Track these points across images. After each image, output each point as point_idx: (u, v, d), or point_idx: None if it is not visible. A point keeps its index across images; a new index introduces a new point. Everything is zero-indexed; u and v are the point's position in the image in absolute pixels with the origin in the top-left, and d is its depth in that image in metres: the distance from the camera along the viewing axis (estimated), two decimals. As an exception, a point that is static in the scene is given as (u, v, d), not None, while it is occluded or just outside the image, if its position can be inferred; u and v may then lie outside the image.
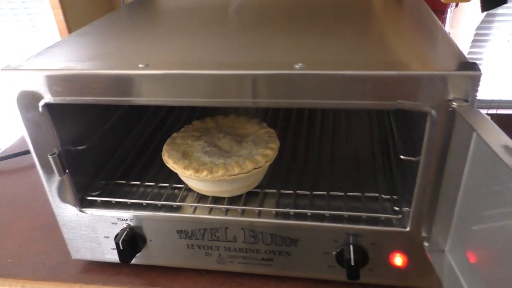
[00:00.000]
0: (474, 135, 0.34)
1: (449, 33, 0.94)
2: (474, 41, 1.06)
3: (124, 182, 0.55)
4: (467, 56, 1.24)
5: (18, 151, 0.83)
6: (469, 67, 0.35)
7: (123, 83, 0.41)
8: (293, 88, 0.38)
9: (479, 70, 0.34)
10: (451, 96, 0.36)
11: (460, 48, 0.40)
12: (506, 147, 0.29)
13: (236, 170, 0.46)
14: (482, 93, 1.18)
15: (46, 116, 0.45)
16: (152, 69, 0.40)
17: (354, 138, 0.62)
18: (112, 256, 0.54)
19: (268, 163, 0.48)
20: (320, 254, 0.49)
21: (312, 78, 0.37)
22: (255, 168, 0.47)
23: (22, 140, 0.90)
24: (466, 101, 0.35)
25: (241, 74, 0.39)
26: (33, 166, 0.80)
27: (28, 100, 0.44)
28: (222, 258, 0.52)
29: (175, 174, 0.52)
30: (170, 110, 0.73)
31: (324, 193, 0.50)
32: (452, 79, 0.35)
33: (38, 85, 0.43)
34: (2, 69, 0.43)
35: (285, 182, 0.53)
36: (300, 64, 0.38)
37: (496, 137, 0.32)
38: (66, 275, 0.56)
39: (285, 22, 0.54)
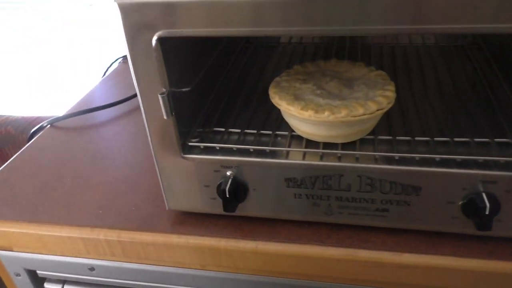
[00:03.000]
0: None
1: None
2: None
3: (223, 129, 0.52)
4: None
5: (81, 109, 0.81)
6: None
7: (249, 11, 0.38)
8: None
9: None
10: None
11: None
12: None
13: (360, 111, 0.43)
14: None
15: (158, 52, 0.42)
16: (287, -8, 0.37)
17: (454, 79, 0.58)
18: (210, 207, 0.52)
19: (390, 105, 0.45)
20: (443, 204, 0.45)
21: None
22: (378, 110, 0.44)
23: (82, 101, 0.88)
24: None
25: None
26: (103, 123, 0.79)
27: (140, 34, 0.41)
28: (331, 209, 0.49)
29: (272, 122, 0.49)
30: (253, 54, 0.70)
31: (447, 139, 0.46)
32: None
33: (155, 15, 0.40)
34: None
35: (395, 128, 0.49)
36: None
37: None
38: (161, 226, 0.54)
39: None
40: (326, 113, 0.43)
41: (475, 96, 0.54)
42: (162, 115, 0.46)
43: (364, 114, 0.43)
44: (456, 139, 0.46)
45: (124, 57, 1.05)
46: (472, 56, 0.64)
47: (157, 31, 0.41)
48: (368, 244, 0.49)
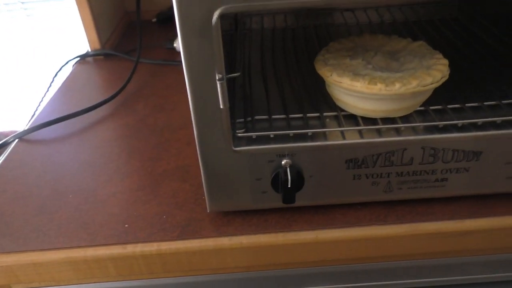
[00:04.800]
0: None
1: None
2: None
3: (266, 117, 0.48)
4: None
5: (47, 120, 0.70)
6: None
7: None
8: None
9: None
10: None
11: None
12: None
13: (429, 80, 0.42)
14: None
15: (217, 31, 0.37)
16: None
17: (460, 50, 0.59)
18: (261, 202, 0.48)
19: (448, 72, 0.44)
20: (501, 166, 0.46)
21: None
22: (442, 78, 0.43)
23: (45, 112, 0.77)
24: None
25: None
26: (85, 129, 0.69)
27: (198, 9, 0.36)
28: (390, 185, 0.48)
29: (306, 104, 0.48)
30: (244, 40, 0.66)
31: (497, 102, 0.47)
32: None
33: (219, -12, 0.35)
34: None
35: (442, 97, 0.49)
36: None
37: None
38: (206, 231, 0.49)
39: None
40: (397, 85, 0.41)
41: (496, 59, 0.56)
42: (213, 105, 0.41)
43: (432, 83, 0.42)
44: (504, 101, 0.47)
45: (81, 57, 0.94)
46: (470, 25, 0.66)
47: (219, 6, 0.36)
48: (429, 217, 0.48)
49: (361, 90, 0.42)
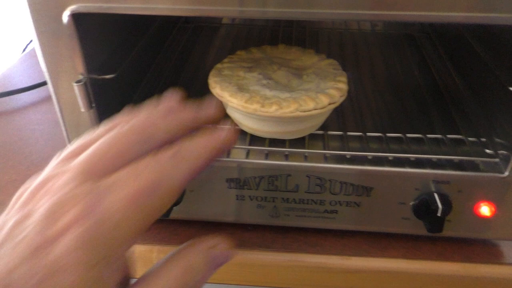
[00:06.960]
0: None
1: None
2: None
3: (155, 122, 0.46)
4: None
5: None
6: None
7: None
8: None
9: None
10: None
11: None
12: None
13: (311, 105, 0.38)
14: None
15: (71, 31, 0.35)
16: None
17: (403, 69, 0.55)
18: (142, 210, 0.46)
19: (342, 98, 0.41)
20: (394, 205, 0.43)
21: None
22: (330, 104, 0.39)
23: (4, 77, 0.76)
24: None
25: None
26: (17, 109, 0.69)
27: (49, 8, 0.34)
28: (277, 211, 0.45)
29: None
30: (192, 35, 0.63)
31: (400, 135, 0.43)
32: None
33: (65, -15, 0.33)
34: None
35: (344, 122, 0.46)
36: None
37: None
38: (84, 233, 0.47)
39: None
40: (274, 108, 0.38)
41: (427, 89, 0.52)
42: (79, 108, 0.39)
43: (315, 109, 0.38)
44: (408, 135, 0.43)
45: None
46: (421, 45, 0.62)
47: (69, 5, 0.33)
48: (316, 248, 0.45)
49: (238, 107, 0.39)
